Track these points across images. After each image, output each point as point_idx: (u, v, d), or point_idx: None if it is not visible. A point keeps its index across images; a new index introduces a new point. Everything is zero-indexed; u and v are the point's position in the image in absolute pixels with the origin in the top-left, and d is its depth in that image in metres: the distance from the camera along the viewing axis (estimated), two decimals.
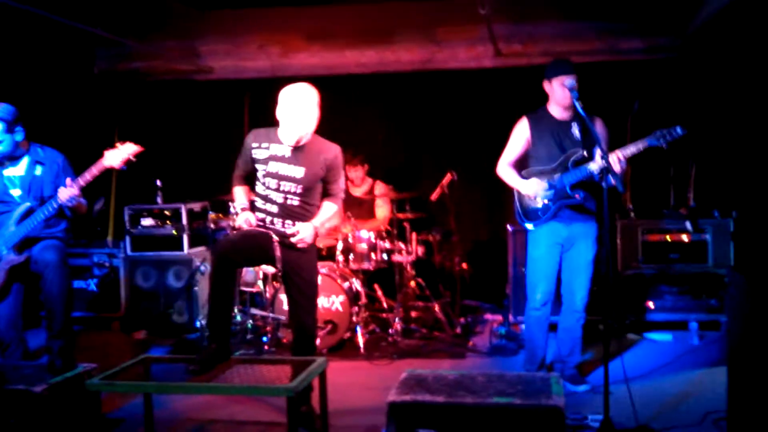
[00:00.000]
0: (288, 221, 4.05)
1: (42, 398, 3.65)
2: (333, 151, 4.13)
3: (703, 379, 4.76)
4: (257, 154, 4.10)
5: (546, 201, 4.51)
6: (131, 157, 4.34)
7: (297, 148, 4.04)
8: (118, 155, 4.30)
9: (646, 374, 4.88)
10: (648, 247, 5.92)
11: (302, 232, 4.02)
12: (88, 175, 4.29)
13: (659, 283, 5.88)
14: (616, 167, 4.17)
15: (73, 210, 4.45)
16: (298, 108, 3.94)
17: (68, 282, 4.49)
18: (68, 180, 4.35)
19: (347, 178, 6.70)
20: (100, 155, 4.35)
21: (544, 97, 4.65)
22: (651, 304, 5.87)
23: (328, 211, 4.20)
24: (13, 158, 4.46)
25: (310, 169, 4.04)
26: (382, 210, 6.63)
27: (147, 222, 6.68)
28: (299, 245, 4.03)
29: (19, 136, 4.40)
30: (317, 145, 4.10)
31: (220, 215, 6.31)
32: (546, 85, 4.56)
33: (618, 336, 5.74)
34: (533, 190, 4.54)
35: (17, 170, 4.46)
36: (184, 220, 6.62)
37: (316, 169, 4.05)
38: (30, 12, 5.56)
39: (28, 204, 4.40)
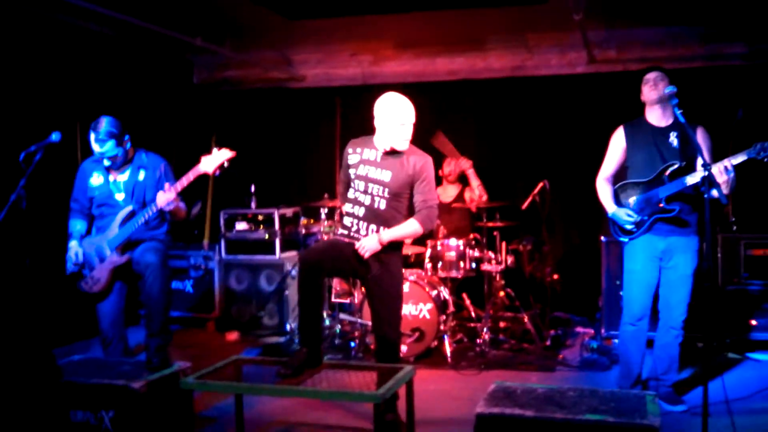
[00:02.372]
0: (373, 226, 4.07)
1: (140, 395, 3.79)
2: (423, 158, 4.13)
3: None
4: (351, 159, 4.19)
5: (640, 214, 4.38)
6: (225, 163, 4.45)
7: (387, 153, 4.09)
8: (213, 161, 4.41)
9: (748, 397, 4.63)
10: (751, 262, 5.65)
11: (365, 242, 4.03)
12: (185, 180, 4.42)
13: (763, 301, 5.59)
14: (722, 178, 4.00)
15: (172, 213, 4.61)
16: (407, 119, 4.04)
17: (168, 283, 4.64)
18: (167, 185, 4.51)
19: (442, 174, 6.72)
20: (198, 161, 4.49)
21: (640, 105, 4.52)
22: (754, 323, 5.59)
23: (407, 227, 4.10)
24: (112, 168, 4.65)
25: (398, 174, 4.06)
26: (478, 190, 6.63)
27: (241, 226, 6.87)
28: (361, 254, 4.02)
29: (127, 146, 4.60)
30: (408, 151, 4.12)
31: (312, 221, 6.41)
32: (642, 94, 4.44)
33: (718, 355, 5.49)
34: (618, 218, 4.45)
35: (122, 176, 4.65)
36: (277, 225, 6.77)
37: (404, 174, 4.06)
38: (134, 24, 5.80)
39: (130, 207, 4.57)
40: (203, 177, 4.51)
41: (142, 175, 4.64)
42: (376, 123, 4.10)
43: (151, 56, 7.25)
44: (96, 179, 4.64)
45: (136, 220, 4.52)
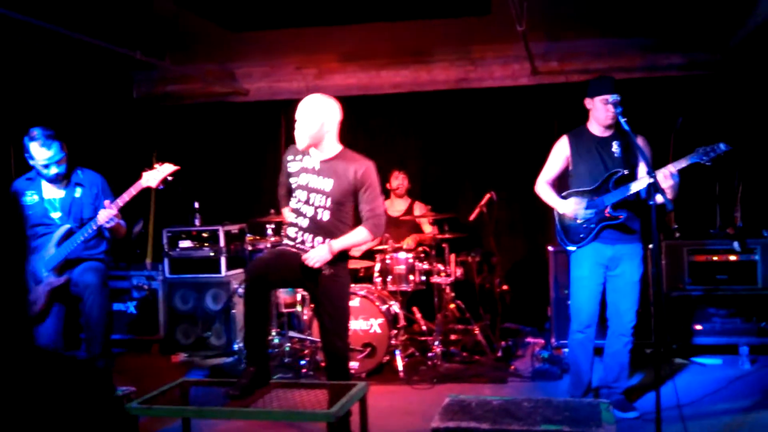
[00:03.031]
0: (318, 237, 3.98)
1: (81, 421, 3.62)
2: (363, 164, 3.99)
3: (758, 406, 4.57)
4: (291, 167, 4.09)
5: (587, 221, 4.41)
6: (168, 177, 4.38)
7: (327, 161, 3.99)
8: (155, 175, 4.34)
9: (697, 401, 4.70)
10: (695, 268, 5.76)
11: (314, 252, 3.92)
12: (126, 196, 4.31)
13: (707, 306, 5.71)
14: (667, 183, 4.06)
15: (112, 231, 4.47)
16: (302, 114, 3.93)
17: (108, 304, 4.50)
18: (107, 202, 4.37)
19: (390, 188, 6.68)
20: (139, 177, 4.36)
21: (583, 115, 4.57)
22: (698, 327, 5.70)
23: (356, 235, 4.00)
24: (56, 180, 4.48)
25: (339, 182, 3.95)
26: (427, 228, 6.62)
27: (185, 244, 6.70)
28: (310, 264, 3.91)
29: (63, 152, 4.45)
30: (348, 156, 4.02)
31: (258, 237, 6.29)
32: (588, 103, 4.48)
33: (665, 360, 5.57)
34: (571, 209, 4.45)
35: (58, 193, 4.49)
36: (222, 242, 6.62)
37: (345, 182, 3.95)
38: (70, 37, 5.63)
39: (67, 226, 4.43)
40: (145, 194, 4.42)
41: (78, 192, 4.51)
42: (296, 131, 3.99)
43: (88, 71, 7.05)
44: (30, 198, 4.47)
45: (75, 239, 4.38)
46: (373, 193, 3.99)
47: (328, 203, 3.96)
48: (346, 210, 4.02)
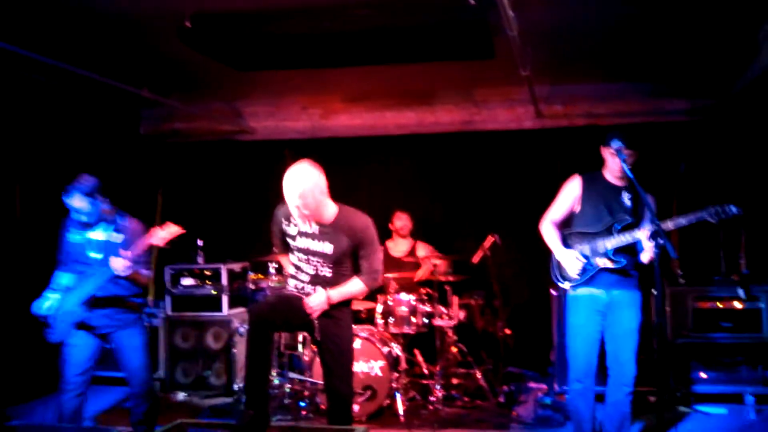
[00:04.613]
0: (319, 287, 4.00)
1: None
2: (362, 222, 4.01)
3: None
4: (287, 229, 4.09)
5: (587, 262, 4.38)
6: (176, 239, 4.53)
7: (325, 225, 3.98)
8: (162, 235, 4.45)
9: None
10: (699, 315, 5.72)
11: (312, 299, 3.94)
12: (137, 250, 4.41)
13: (711, 353, 5.65)
14: (647, 245, 4.13)
15: (131, 280, 4.57)
16: (295, 194, 3.82)
17: (148, 357, 4.71)
18: (120, 250, 4.44)
19: (393, 229, 6.68)
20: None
21: (586, 159, 4.59)
22: (703, 375, 5.63)
23: (353, 287, 4.03)
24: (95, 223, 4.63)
25: (339, 245, 3.98)
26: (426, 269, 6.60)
27: (187, 282, 6.68)
28: (309, 312, 3.93)
29: (104, 205, 4.58)
30: (346, 217, 4.01)
31: (260, 276, 6.27)
32: (602, 151, 4.50)
33: (668, 408, 5.49)
34: (568, 262, 4.44)
35: (100, 235, 4.60)
36: (224, 281, 6.61)
37: (345, 243, 3.98)
38: (78, 74, 5.69)
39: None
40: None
41: (116, 237, 4.60)
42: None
43: (95, 108, 7.11)
44: (74, 236, 4.61)
45: (98, 279, 4.46)
46: (371, 248, 4.04)
47: (329, 262, 4.01)
48: (347, 265, 4.08)
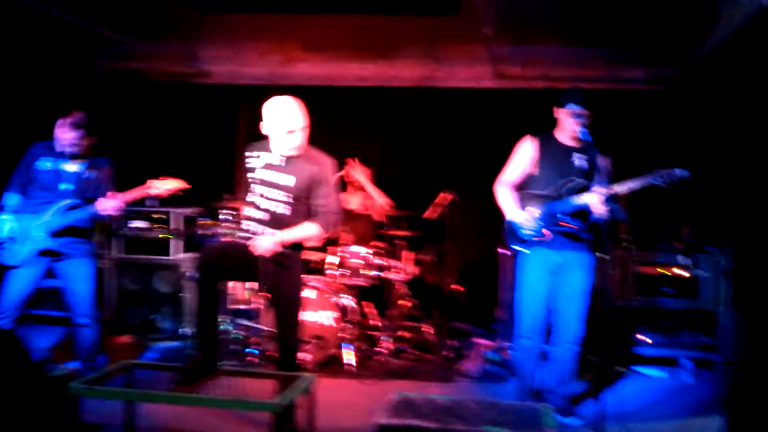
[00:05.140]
0: (275, 230, 3.98)
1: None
2: (324, 161, 4.06)
3: (700, 423, 4.65)
4: (251, 162, 4.07)
5: (538, 224, 4.45)
6: (179, 192, 4.76)
7: (291, 158, 4.00)
8: (161, 187, 4.65)
9: (640, 411, 4.77)
10: (641, 280, 5.87)
11: (260, 240, 3.92)
12: (130, 197, 4.61)
13: (651, 317, 5.82)
14: (598, 209, 4.19)
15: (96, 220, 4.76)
16: (283, 118, 3.90)
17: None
18: (110, 192, 4.66)
19: (348, 181, 6.62)
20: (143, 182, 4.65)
21: (543, 120, 4.61)
22: (644, 338, 5.81)
23: (305, 230, 4.02)
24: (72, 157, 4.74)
25: (302, 178, 3.98)
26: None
27: (137, 224, 6.58)
28: (255, 252, 3.91)
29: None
30: (309, 154, 4.05)
31: (212, 222, 6.21)
32: (556, 112, 4.52)
33: (609, 369, 5.67)
34: (522, 221, 4.49)
35: (72, 167, 4.73)
36: (173, 225, 6.52)
37: (305, 178, 3.99)
38: (36, 8, 5.50)
39: (70, 200, 4.69)
40: None
41: (89, 172, 4.76)
42: (265, 129, 3.98)
43: (52, 43, 6.86)
44: (43, 163, 4.67)
45: (81, 212, 4.64)
46: (328, 189, 4.04)
47: (288, 198, 3.97)
48: (304, 205, 4.04)
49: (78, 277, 4.75)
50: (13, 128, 4.60)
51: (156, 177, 6.67)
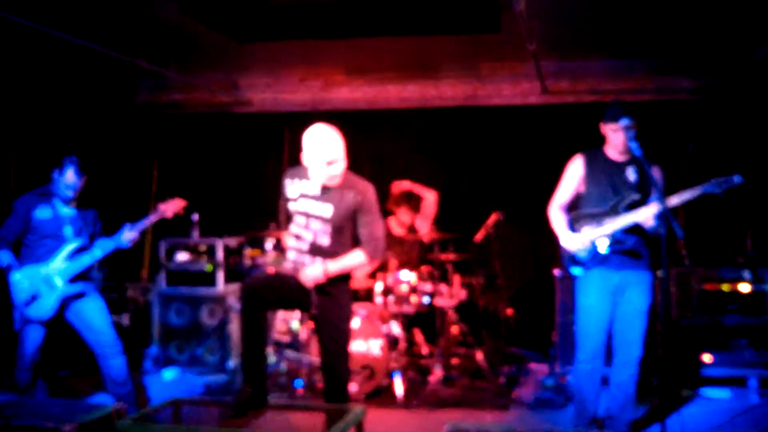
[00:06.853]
0: (318, 258, 3.89)
1: None
2: (364, 188, 3.92)
3: None
4: (290, 192, 3.99)
5: (593, 245, 4.28)
6: (180, 211, 4.84)
7: (328, 187, 3.89)
8: (169, 207, 4.75)
9: None
10: (703, 297, 5.63)
11: (307, 270, 3.83)
12: (147, 223, 4.72)
13: (714, 335, 5.56)
14: (648, 224, 4.11)
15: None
16: (321, 147, 3.79)
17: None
18: (128, 226, 4.72)
19: (398, 221, 6.46)
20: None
21: (593, 135, 4.47)
22: (706, 358, 5.55)
23: (353, 259, 3.92)
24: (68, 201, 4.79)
25: (339, 208, 3.87)
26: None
27: (182, 256, 6.56)
28: (304, 282, 3.83)
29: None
30: (348, 182, 3.93)
31: (257, 251, 6.16)
32: (602, 128, 4.39)
33: (671, 391, 5.41)
34: (574, 247, 4.33)
35: (69, 211, 4.77)
36: (219, 256, 6.48)
37: (345, 208, 3.88)
38: (75, 43, 5.57)
39: (78, 242, 4.72)
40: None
41: (82, 211, 4.83)
42: (304, 158, 3.88)
43: (92, 78, 6.97)
44: (42, 212, 4.69)
45: (89, 254, 4.66)
46: (373, 216, 3.93)
47: (329, 228, 3.88)
48: (346, 234, 3.94)
49: (94, 312, 4.73)
50: (54, 163, 4.64)
51: (199, 211, 6.73)
